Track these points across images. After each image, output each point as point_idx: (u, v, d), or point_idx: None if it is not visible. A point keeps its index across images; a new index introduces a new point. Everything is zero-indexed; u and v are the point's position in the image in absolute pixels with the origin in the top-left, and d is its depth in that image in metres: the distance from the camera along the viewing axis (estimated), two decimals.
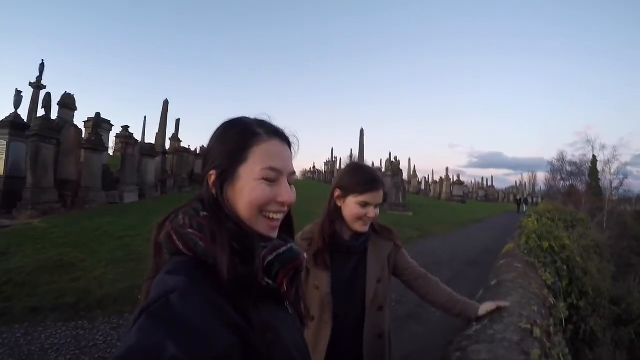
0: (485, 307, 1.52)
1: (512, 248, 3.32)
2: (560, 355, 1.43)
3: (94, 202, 9.93)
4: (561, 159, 30.31)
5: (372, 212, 1.33)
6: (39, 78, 14.48)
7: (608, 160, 24.83)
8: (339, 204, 1.37)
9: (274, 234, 0.67)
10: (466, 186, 41.79)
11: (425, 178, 42.58)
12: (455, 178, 35.25)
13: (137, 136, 16.72)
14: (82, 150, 10.55)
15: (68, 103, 13.12)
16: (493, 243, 10.16)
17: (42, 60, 14.53)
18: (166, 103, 16.53)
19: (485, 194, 48.01)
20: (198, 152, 17.47)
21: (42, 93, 11.82)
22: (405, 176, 27.36)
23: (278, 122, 0.72)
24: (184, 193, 13.85)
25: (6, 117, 9.54)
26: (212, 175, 0.65)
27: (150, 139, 16.76)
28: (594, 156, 27.42)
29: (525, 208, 27.00)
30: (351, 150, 35.29)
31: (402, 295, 5.02)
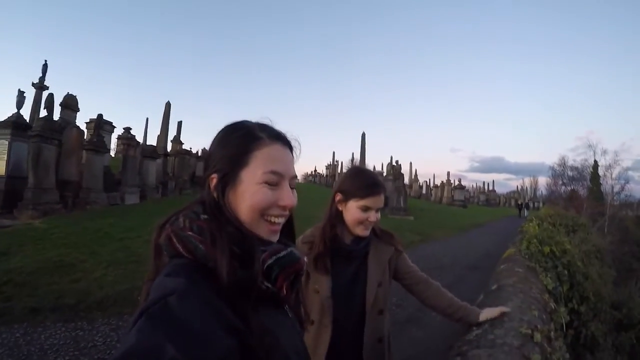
0: (486, 314, 1.52)
1: (513, 253, 3.32)
2: None
3: (95, 203, 9.95)
4: (562, 163, 30.35)
5: (374, 216, 1.33)
6: (42, 79, 14.50)
7: (609, 165, 24.82)
8: (340, 208, 1.37)
9: (275, 238, 0.67)
10: (467, 190, 41.72)
11: (426, 182, 42.57)
12: (457, 182, 35.24)
13: (139, 138, 16.72)
14: (84, 151, 10.58)
15: (70, 104, 13.16)
16: (494, 248, 10.14)
17: (45, 61, 14.55)
18: (168, 105, 16.60)
19: (487, 198, 47.90)
20: (199, 154, 17.48)
21: (45, 94, 11.85)
22: (406, 180, 27.35)
23: (280, 125, 0.73)
24: (185, 195, 13.87)
25: (8, 117, 9.58)
26: (214, 179, 0.65)
27: (152, 140, 16.81)
28: (595, 161, 27.40)
29: (526, 213, 26.97)
30: (352, 153, 35.40)
31: (402, 299, 5.00)
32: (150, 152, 13.08)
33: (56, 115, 11.07)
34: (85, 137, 11.21)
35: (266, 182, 0.64)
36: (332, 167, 37.43)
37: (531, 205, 38.41)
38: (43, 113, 10.06)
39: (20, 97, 10.34)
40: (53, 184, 9.31)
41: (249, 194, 0.64)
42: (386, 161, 30.81)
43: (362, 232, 1.34)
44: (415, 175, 38.23)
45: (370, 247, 1.41)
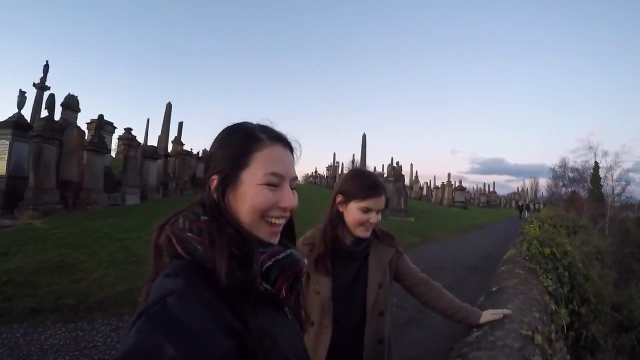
0: (487, 317, 1.52)
1: (514, 254, 3.31)
2: None
3: (95, 203, 9.96)
4: (563, 165, 30.41)
5: (374, 217, 1.33)
6: (43, 79, 14.51)
7: (610, 167, 24.91)
8: (341, 210, 1.37)
9: (275, 240, 0.67)
10: (468, 192, 41.69)
11: (427, 183, 42.60)
12: (457, 184, 35.20)
13: (140, 138, 16.76)
14: (85, 151, 10.59)
15: (71, 104, 13.21)
16: (494, 249, 10.12)
17: (47, 61, 14.53)
18: (169, 106, 16.64)
19: (487, 200, 47.88)
20: (200, 155, 17.50)
21: (46, 94, 11.85)
22: (407, 182, 27.36)
23: (280, 127, 0.73)
24: (186, 196, 13.86)
25: (9, 117, 9.59)
26: (214, 180, 0.66)
27: (153, 141, 16.83)
28: (596, 163, 27.46)
29: (527, 214, 26.94)
30: (353, 155, 35.33)
31: (403, 301, 5.00)
32: (151, 153, 13.09)
33: (57, 116, 11.10)
34: (86, 138, 11.22)
35: (267, 184, 0.64)
36: (333, 168, 37.42)
37: (532, 206, 38.33)
38: (44, 113, 10.08)
39: (21, 98, 10.36)
40: (54, 184, 9.32)
41: (249, 195, 0.64)
42: (387, 162, 30.82)
43: (362, 233, 1.34)
44: (416, 176, 38.25)
45: (370, 249, 1.41)
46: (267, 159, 0.65)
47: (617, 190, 24.77)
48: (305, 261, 0.70)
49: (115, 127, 16.17)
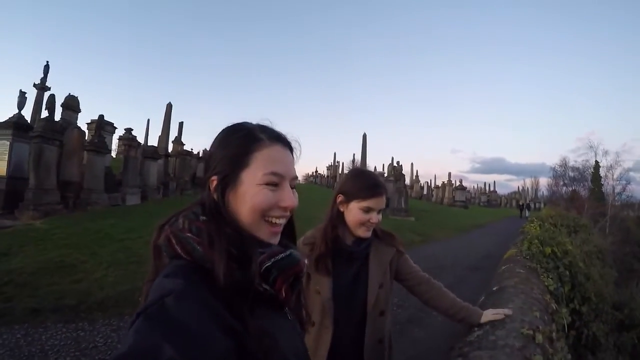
0: (488, 316, 1.51)
1: (514, 253, 3.31)
2: None
3: (96, 204, 9.95)
4: (564, 164, 30.44)
5: (375, 217, 1.33)
6: (44, 79, 14.49)
7: (611, 166, 24.91)
8: (341, 209, 1.37)
9: (276, 240, 0.67)
10: (468, 191, 41.66)
11: (427, 183, 42.51)
12: (458, 183, 35.16)
13: (140, 139, 16.74)
14: (85, 152, 10.58)
15: (72, 105, 13.21)
16: (495, 248, 10.13)
17: (47, 61, 14.52)
18: (169, 106, 16.63)
19: (488, 199, 47.84)
20: (200, 155, 17.50)
21: (46, 94, 11.86)
22: (407, 181, 27.36)
23: (280, 127, 0.73)
24: (186, 196, 13.87)
25: (10, 118, 9.58)
26: (214, 180, 0.65)
27: (153, 141, 16.82)
28: (596, 162, 27.47)
29: (527, 213, 26.93)
30: (354, 154, 35.33)
31: (404, 300, 5.00)
32: (151, 153, 13.08)
33: (57, 116, 11.10)
34: (86, 138, 11.21)
35: (267, 183, 0.64)
36: (333, 168, 37.42)
37: (532, 206, 38.36)
38: (44, 114, 10.07)
39: (22, 98, 10.35)
40: (54, 184, 9.32)
41: (249, 195, 0.63)
42: (387, 162, 30.77)
43: (363, 233, 1.34)
44: (417, 176, 38.24)
45: (371, 248, 1.40)
46: (267, 159, 0.65)
47: (618, 189, 24.81)
48: (306, 261, 0.70)
49: (116, 128, 16.16)
